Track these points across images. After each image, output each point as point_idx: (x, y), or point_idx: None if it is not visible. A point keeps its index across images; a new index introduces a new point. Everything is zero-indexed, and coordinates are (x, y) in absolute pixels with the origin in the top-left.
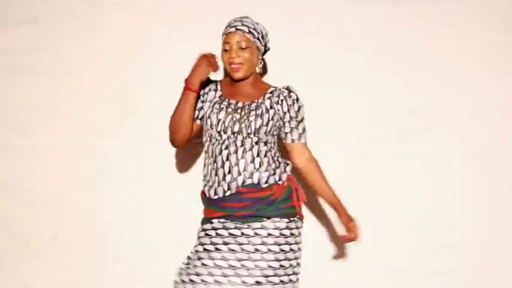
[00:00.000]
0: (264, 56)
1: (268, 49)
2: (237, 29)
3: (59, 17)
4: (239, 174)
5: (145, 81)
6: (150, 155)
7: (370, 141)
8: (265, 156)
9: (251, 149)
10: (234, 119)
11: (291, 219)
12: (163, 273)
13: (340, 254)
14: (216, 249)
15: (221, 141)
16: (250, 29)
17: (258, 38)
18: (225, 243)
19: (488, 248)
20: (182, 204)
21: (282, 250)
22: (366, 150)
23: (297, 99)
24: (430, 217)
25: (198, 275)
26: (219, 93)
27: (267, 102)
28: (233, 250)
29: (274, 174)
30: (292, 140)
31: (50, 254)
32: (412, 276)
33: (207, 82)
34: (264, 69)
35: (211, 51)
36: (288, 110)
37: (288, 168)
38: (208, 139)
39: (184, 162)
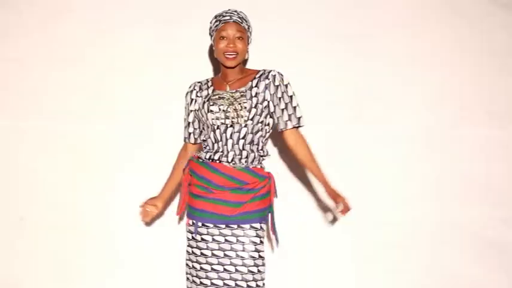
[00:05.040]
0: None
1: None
2: (234, 20)
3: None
4: None
5: (118, 69)
6: (121, 138)
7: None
8: None
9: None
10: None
11: None
12: (136, 252)
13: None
14: None
15: None
16: (244, 20)
17: (249, 30)
18: None
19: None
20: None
21: None
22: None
23: (282, 79)
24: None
25: None
26: (211, 89)
27: (254, 89)
28: None
29: None
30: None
31: (16, 235)
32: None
33: (196, 86)
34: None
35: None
36: (276, 92)
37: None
38: None
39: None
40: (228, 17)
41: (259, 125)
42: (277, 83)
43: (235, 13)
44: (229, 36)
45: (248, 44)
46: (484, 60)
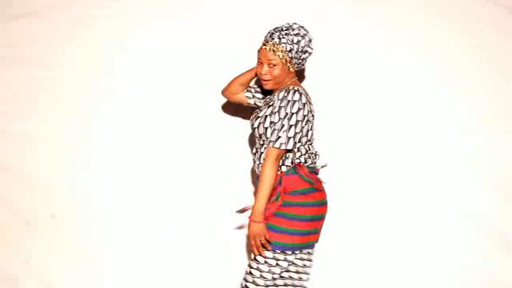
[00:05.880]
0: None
1: (309, 53)
2: (266, 47)
3: (54, 10)
4: None
5: (137, 72)
6: (142, 139)
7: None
8: None
9: None
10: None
11: None
12: (163, 251)
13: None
14: None
15: None
16: (277, 45)
17: (288, 52)
18: None
19: None
20: (179, 184)
21: None
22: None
23: (282, 99)
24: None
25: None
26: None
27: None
28: None
29: None
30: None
31: (49, 232)
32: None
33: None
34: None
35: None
36: (272, 111)
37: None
38: None
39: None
40: (264, 43)
41: None
42: (276, 104)
43: (275, 37)
44: (264, 62)
45: (293, 64)
46: None
